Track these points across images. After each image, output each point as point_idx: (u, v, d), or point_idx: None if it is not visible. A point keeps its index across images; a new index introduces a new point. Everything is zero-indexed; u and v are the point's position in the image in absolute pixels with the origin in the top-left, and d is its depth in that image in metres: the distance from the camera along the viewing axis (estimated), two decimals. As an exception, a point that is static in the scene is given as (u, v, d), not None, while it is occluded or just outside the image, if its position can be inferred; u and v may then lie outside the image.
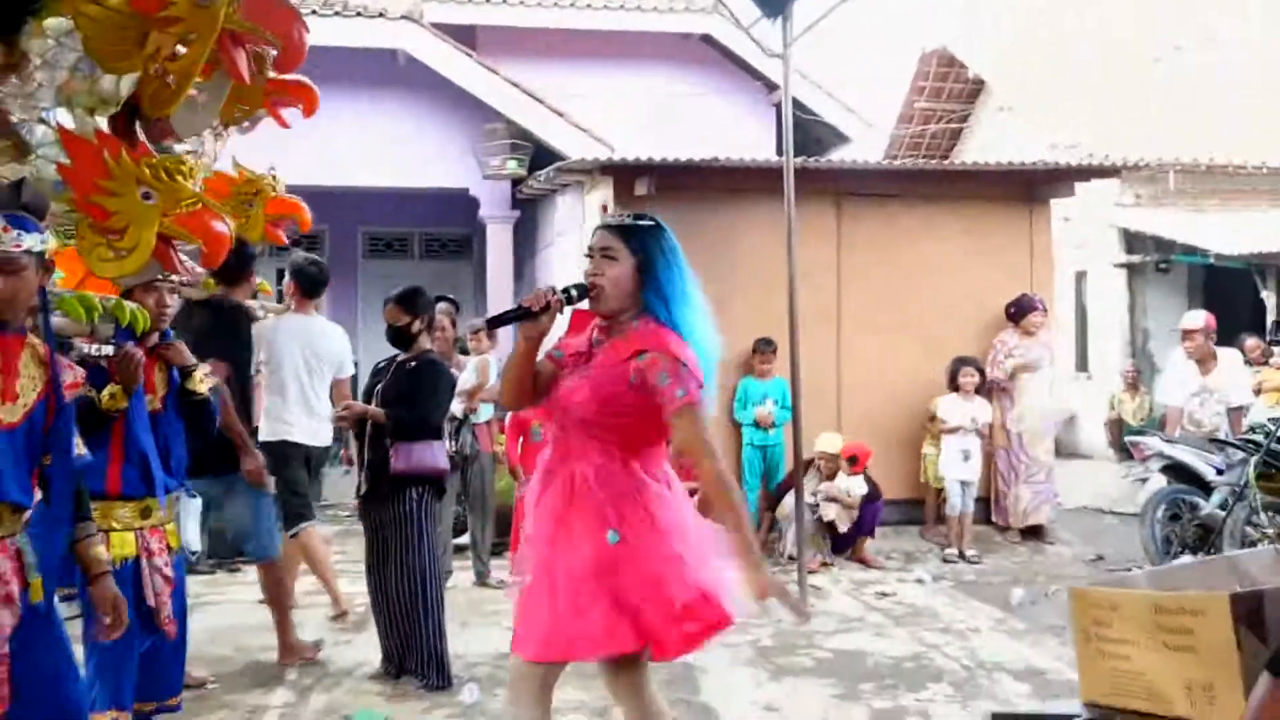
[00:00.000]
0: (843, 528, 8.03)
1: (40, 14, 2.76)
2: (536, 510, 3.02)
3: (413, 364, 5.23)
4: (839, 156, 13.12)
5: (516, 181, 11.14)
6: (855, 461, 8.17)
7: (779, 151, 7.58)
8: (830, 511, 7.93)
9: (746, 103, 13.64)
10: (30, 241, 2.71)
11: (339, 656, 5.60)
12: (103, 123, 3.08)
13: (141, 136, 3.05)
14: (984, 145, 15.95)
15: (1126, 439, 10.08)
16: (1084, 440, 14.14)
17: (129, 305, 3.41)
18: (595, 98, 12.31)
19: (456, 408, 6.73)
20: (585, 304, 3.02)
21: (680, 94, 13.19)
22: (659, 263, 2.95)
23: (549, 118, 10.90)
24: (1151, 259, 13.87)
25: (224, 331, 5.32)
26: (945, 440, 8.40)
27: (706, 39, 13.47)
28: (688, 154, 8.91)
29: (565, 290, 2.98)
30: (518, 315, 2.96)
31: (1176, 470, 7.63)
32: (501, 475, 7.66)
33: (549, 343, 3.08)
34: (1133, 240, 14.03)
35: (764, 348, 8.63)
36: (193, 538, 6.63)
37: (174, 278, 4.10)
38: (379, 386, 5.24)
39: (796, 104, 12.19)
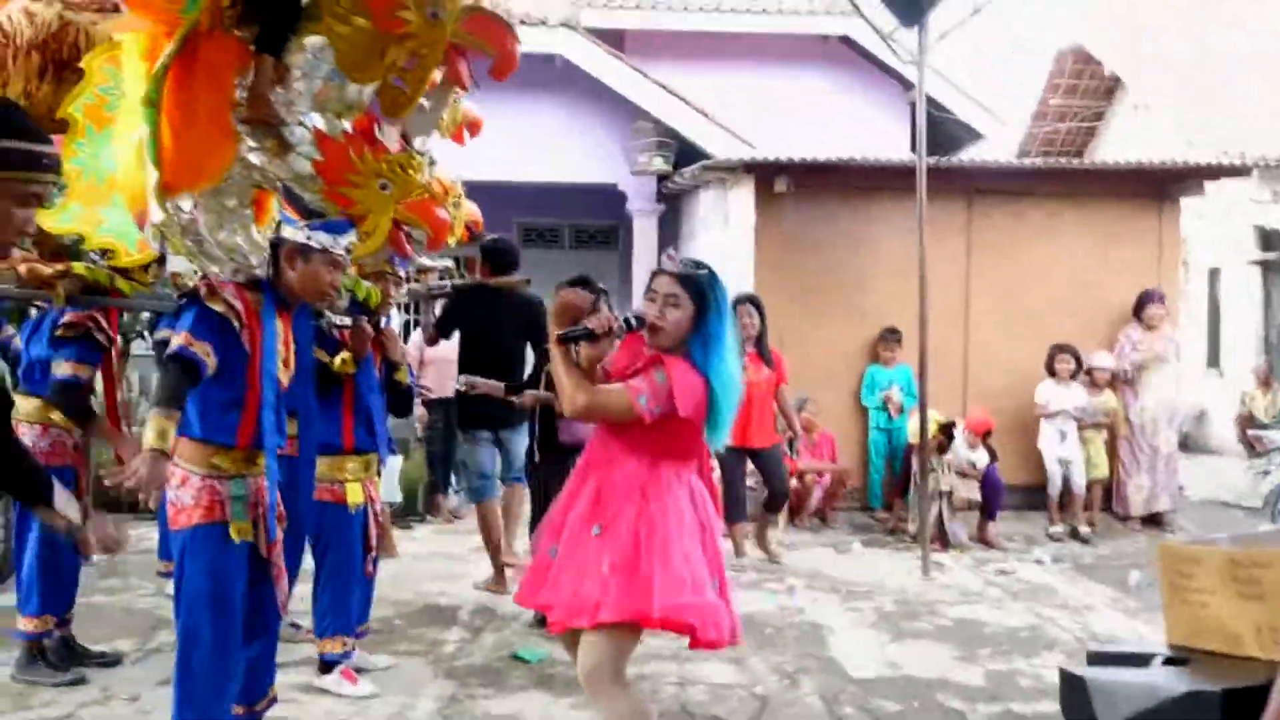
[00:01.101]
0: (965, 497, 8.20)
1: (301, 33, 3.24)
2: (567, 497, 3.32)
3: None
4: (972, 153, 13.15)
5: (662, 177, 11.46)
6: (986, 435, 8.36)
7: (913, 147, 7.78)
8: (949, 484, 8.07)
9: (883, 101, 13.77)
10: (347, 242, 3.34)
11: (506, 604, 6.07)
12: (349, 125, 3.57)
13: (380, 136, 3.52)
14: (1119, 142, 15.73)
15: (1249, 433, 10.02)
16: (1215, 436, 13.91)
17: (365, 283, 3.93)
18: (737, 98, 12.59)
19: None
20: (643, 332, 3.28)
21: (819, 93, 13.41)
22: (710, 312, 3.18)
23: (694, 117, 11.22)
24: (1288, 257, 13.58)
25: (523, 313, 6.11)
26: (1043, 422, 8.57)
27: (845, 40, 13.62)
28: (825, 153, 9.16)
29: (626, 320, 3.25)
30: (584, 335, 3.22)
31: (1299, 463, 7.63)
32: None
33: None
34: (1269, 237, 13.73)
35: (890, 337, 8.86)
36: (392, 490, 7.28)
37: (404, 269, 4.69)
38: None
39: (931, 102, 12.26)
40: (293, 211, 3.46)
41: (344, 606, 4.60)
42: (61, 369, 4.37)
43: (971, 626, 5.95)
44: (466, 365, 6.13)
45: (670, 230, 12.26)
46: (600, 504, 3.18)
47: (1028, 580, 7.11)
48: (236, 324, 3.24)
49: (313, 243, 3.34)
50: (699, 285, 3.21)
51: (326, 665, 4.61)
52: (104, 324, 4.49)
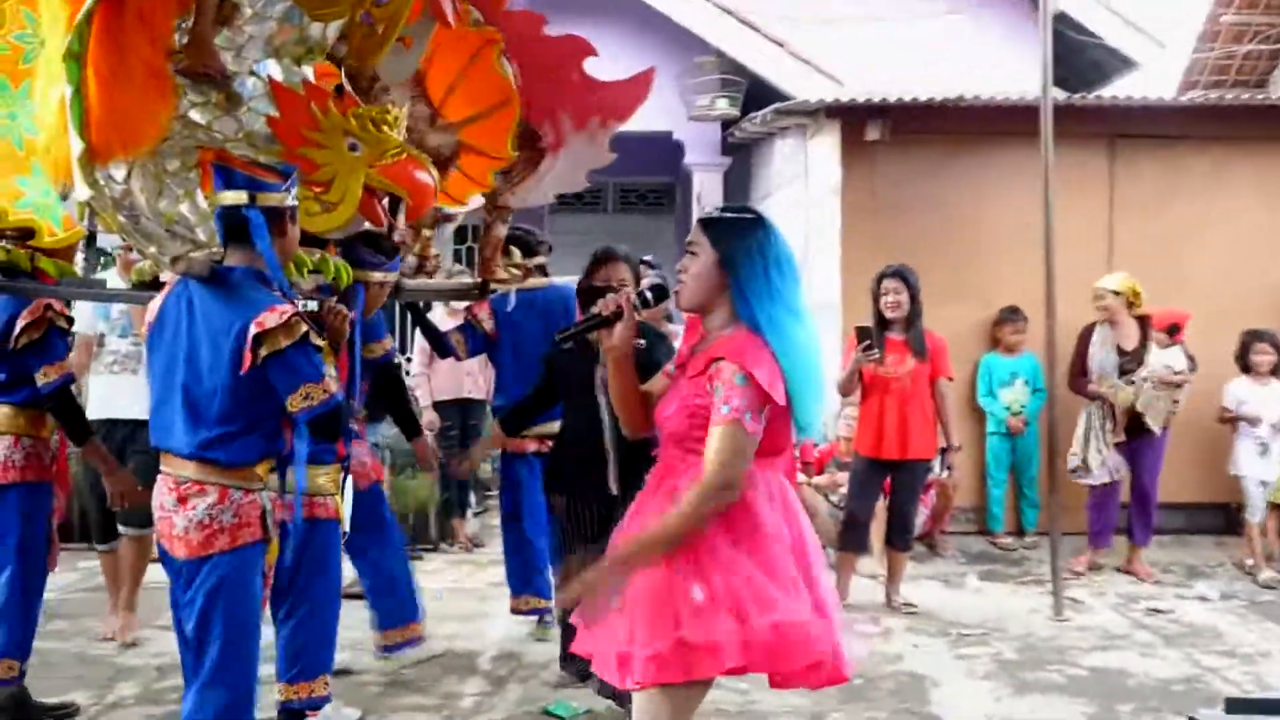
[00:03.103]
0: (1157, 426, 8.00)
1: (250, -36, 3.29)
2: (630, 523, 3.23)
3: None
4: (1122, 86, 12.92)
5: (728, 124, 11.41)
6: (1175, 331, 8.25)
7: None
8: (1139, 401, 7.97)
9: (1005, 25, 13.51)
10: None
11: (534, 650, 6.16)
12: (309, 72, 3.60)
13: (349, 88, 3.55)
14: (1309, 71, 15.39)
15: None
16: None
17: (333, 260, 3.98)
18: (818, 25, 12.50)
19: None
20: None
21: (922, 15, 13.24)
22: (741, 256, 3.10)
23: (766, 49, 11.11)
24: None
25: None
26: (1240, 432, 8.36)
27: (957, -53, 13.50)
28: (929, 90, 9.08)
29: (640, 293, 3.23)
30: (591, 325, 3.19)
31: None
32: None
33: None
34: None
35: (1011, 318, 8.78)
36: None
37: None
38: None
39: (1070, 23, 12.11)
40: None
41: (329, 639, 4.77)
42: (44, 376, 4.57)
43: (1112, 677, 5.90)
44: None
45: (738, 188, 12.21)
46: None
47: (1187, 621, 7.03)
48: None
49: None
50: (720, 225, 3.17)
51: (295, 715, 4.70)
52: (57, 306, 4.63)
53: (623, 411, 3.33)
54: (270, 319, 3.41)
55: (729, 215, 3.19)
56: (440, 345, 6.35)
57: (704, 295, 3.14)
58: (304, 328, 3.43)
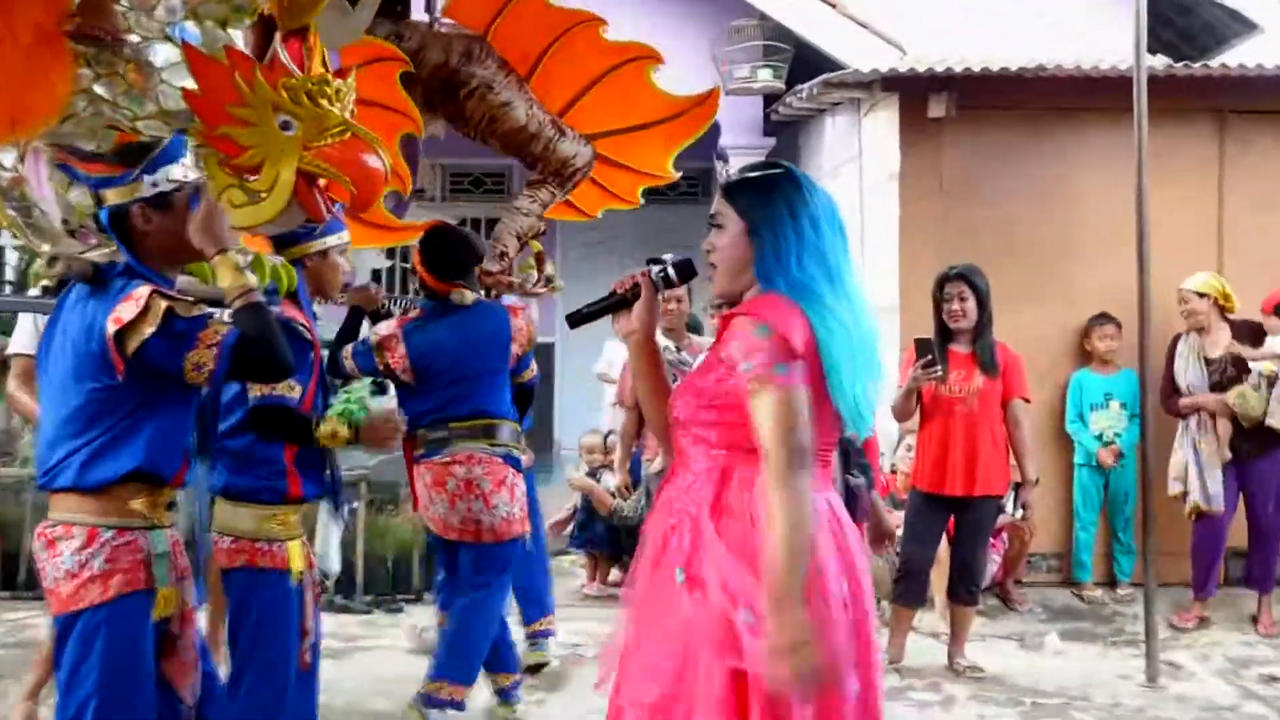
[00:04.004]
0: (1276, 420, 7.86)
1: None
2: (642, 541, 3.19)
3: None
4: (1240, 53, 12.76)
5: (770, 98, 11.38)
6: None
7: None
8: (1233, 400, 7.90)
9: (1102, -19, 13.47)
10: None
11: (530, 715, 6.16)
12: (237, 37, 3.55)
13: (281, 54, 3.49)
14: None
15: None
16: None
17: (269, 260, 3.92)
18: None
19: None
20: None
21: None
22: (773, 219, 3.05)
23: (815, 11, 11.07)
24: None
25: None
26: None
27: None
28: (1004, 58, 9.01)
29: (662, 270, 3.18)
30: (608, 305, 3.19)
31: None
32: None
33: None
34: None
35: (1104, 326, 8.68)
36: (330, 553, 7.33)
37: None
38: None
39: (1176, -19, 11.99)
40: None
41: (274, 717, 4.59)
42: None
43: (1212, 758, 5.82)
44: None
45: (785, 174, 12.16)
46: (688, 529, 3.02)
47: (1311, 691, 6.94)
48: None
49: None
50: (748, 191, 3.12)
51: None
52: None
53: (651, 406, 3.31)
54: (126, 310, 3.35)
55: (754, 175, 3.15)
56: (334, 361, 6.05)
57: (735, 273, 3.10)
58: (164, 305, 3.37)
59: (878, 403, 3.12)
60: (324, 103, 3.51)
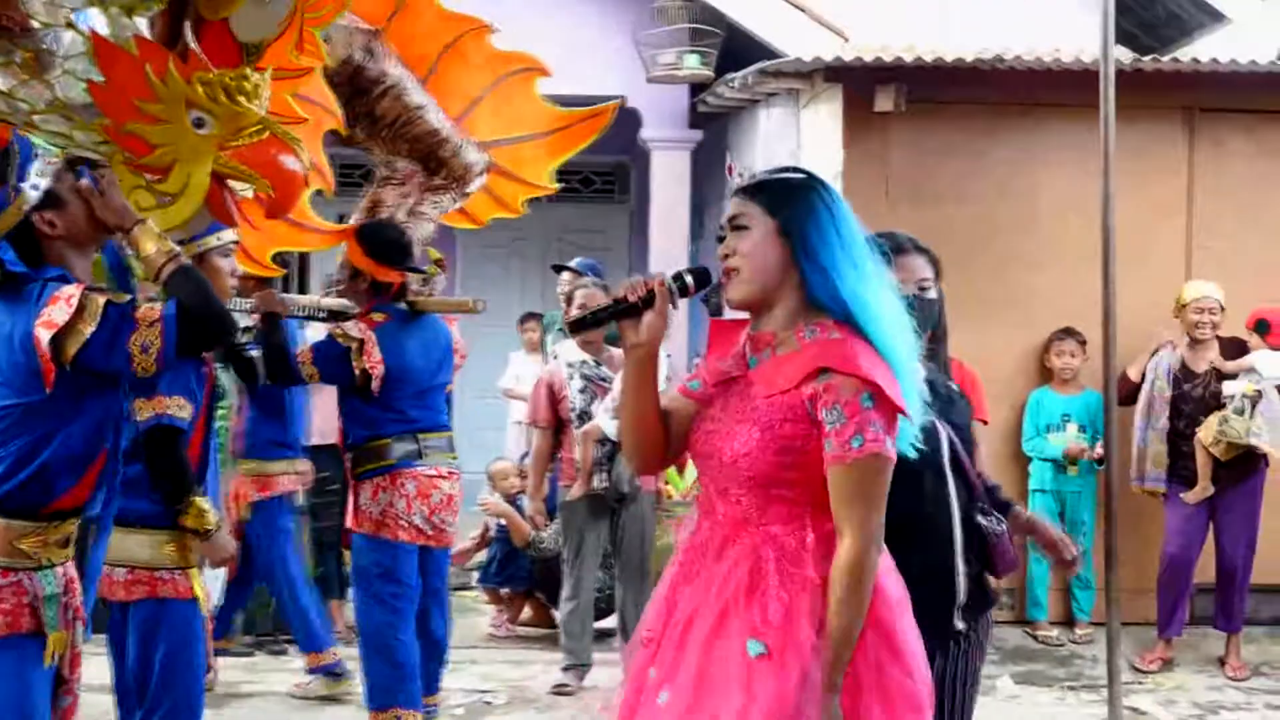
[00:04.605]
0: (1275, 448, 7.95)
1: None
2: (666, 601, 3.18)
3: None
4: (1208, 46, 12.95)
5: (698, 87, 11.42)
6: (1267, 330, 8.23)
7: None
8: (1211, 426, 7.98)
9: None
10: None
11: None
12: (144, 25, 3.51)
13: (194, 45, 3.47)
14: None
15: None
16: None
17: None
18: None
19: (610, 427, 7.17)
20: (725, 306, 3.22)
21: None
22: (809, 222, 3.08)
23: (750, -10, 11.18)
24: None
25: None
26: None
27: None
28: (958, 49, 9.09)
29: (678, 276, 3.17)
30: (613, 313, 3.16)
31: None
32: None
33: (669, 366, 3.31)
34: None
35: (1067, 342, 8.75)
36: (217, 590, 7.29)
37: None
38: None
39: (1142, -32, 12.15)
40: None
41: None
42: None
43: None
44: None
45: (712, 170, 12.20)
46: (750, 606, 3.01)
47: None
48: None
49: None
50: (776, 191, 3.16)
51: None
52: None
53: (637, 434, 3.27)
54: (58, 313, 3.35)
55: (776, 177, 3.20)
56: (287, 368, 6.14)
57: (766, 278, 3.10)
58: (102, 300, 3.38)
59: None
60: (241, 99, 3.51)
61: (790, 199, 3.11)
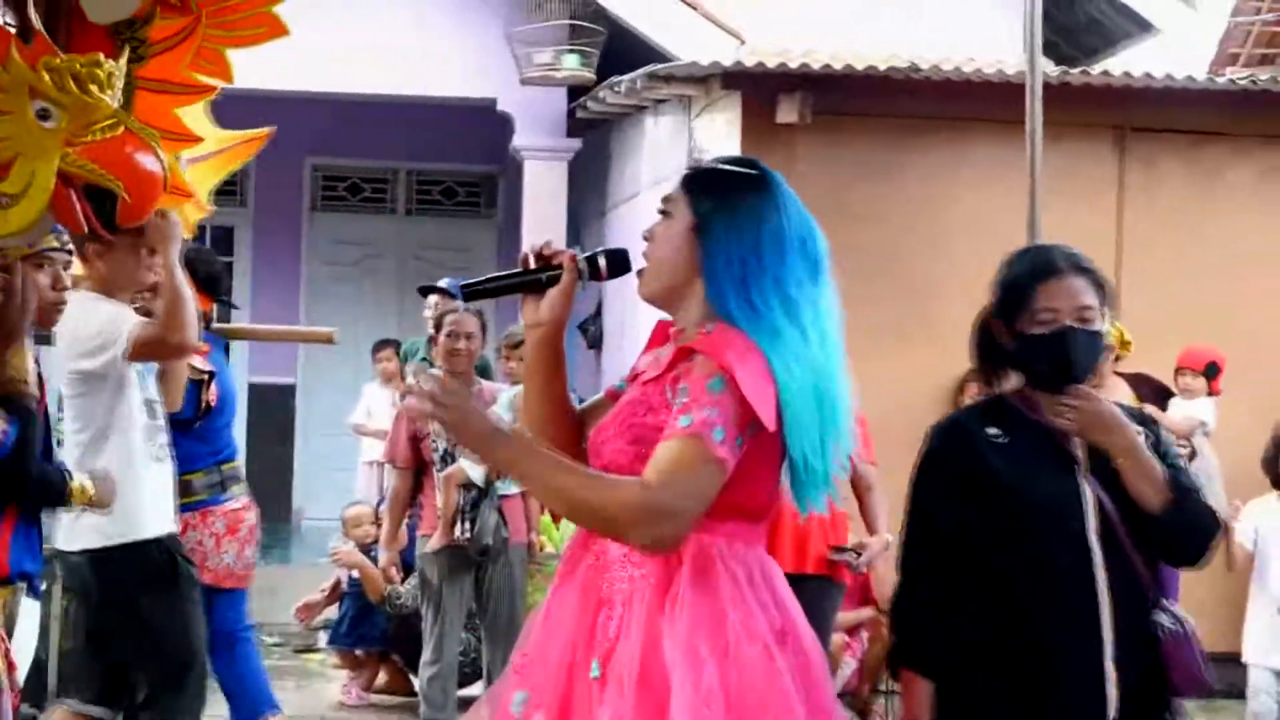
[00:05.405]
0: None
1: None
2: (545, 611, 3.21)
3: None
4: (1133, 57, 13.22)
5: (578, 91, 11.49)
6: (1214, 374, 8.36)
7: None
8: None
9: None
10: None
11: None
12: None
13: (38, 26, 3.47)
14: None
15: None
16: None
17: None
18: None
19: (475, 471, 7.19)
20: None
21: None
22: (722, 218, 3.09)
23: (636, -16, 11.25)
24: None
25: None
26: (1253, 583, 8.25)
27: None
28: (869, 55, 9.19)
29: (591, 256, 3.19)
30: (516, 283, 3.19)
31: None
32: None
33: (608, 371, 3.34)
34: None
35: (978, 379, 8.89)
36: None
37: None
38: None
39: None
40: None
41: None
42: None
43: None
44: None
45: (589, 182, 12.23)
46: (596, 617, 3.07)
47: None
48: None
49: None
50: (707, 179, 3.20)
51: None
52: None
53: (539, 422, 3.28)
54: None
55: (722, 169, 3.20)
56: None
57: (672, 275, 3.13)
58: None
59: (837, 471, 3.16)
60: (94, 89, 3.46)
61: (718, 197, 3.12)
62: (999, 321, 3.80)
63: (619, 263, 3.21)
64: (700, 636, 2.96)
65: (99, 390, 5.41)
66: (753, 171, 3.17)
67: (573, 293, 3.18)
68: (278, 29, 4.17)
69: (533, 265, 3.17)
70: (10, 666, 4.61)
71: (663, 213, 3.15)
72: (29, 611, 6.83)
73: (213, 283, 6.29)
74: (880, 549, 7.13)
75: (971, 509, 3.52)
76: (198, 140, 4.28)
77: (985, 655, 3.51)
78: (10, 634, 4.77)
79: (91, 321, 5.32)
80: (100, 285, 5.45)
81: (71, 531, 5.54)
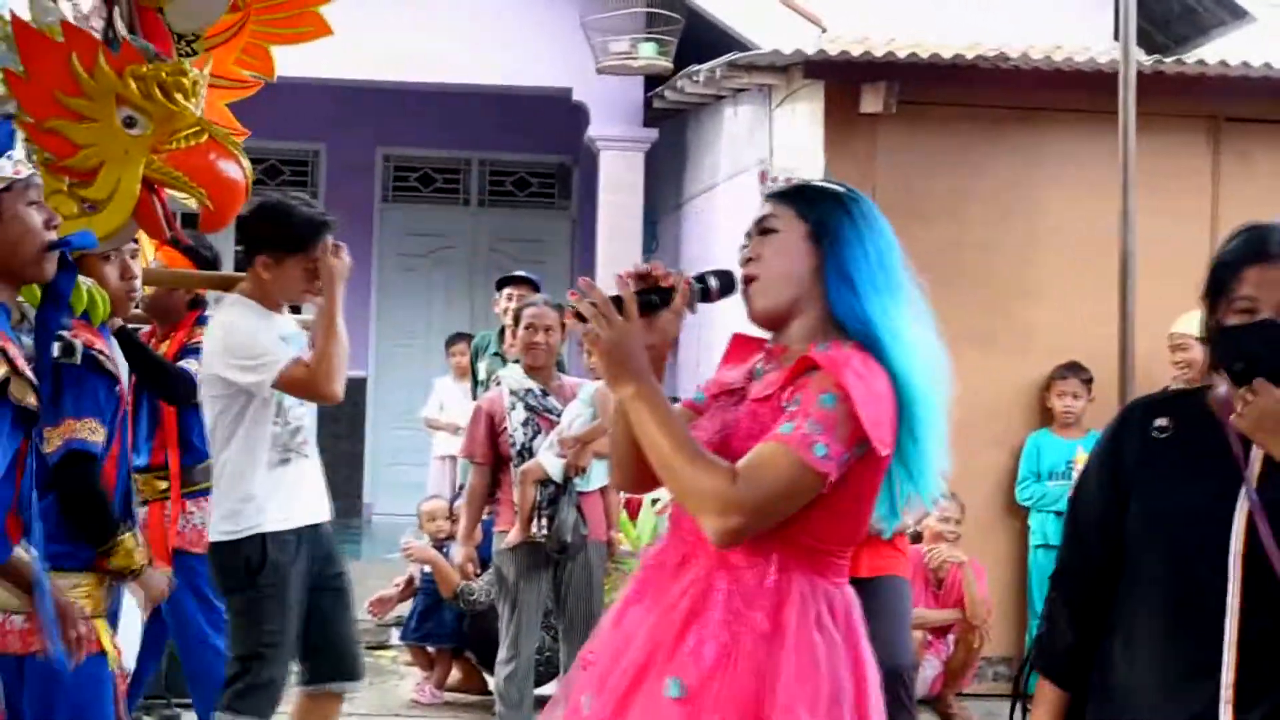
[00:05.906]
0: None
1: None
2: (614, 619, 3.22)
3: None
4: (1222, 50, 13.09)
5: (654, 81, 11.47)
6: None
7: (1117, 37, 7.72)
8: None
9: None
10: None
11: None
12: (68, 9, 3.50)
13: (125, 34, 3.46)
14: None
15: None
16: None
17: (83, 284, 3.86)
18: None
19: (553, 467, 7.16)
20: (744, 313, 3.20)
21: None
22: (844, 232, 3.11)
23: (715, -27, 11.20)
24: None
25: None
26: None
27: None
28: (954, 45, 9.13)
29: (700, 277, 3.20)
30: (653, 302, 3.14)
31: None
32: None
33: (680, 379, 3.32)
34: None
35: (1071, 378, 8.78)
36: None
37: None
38: None
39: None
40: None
41: None
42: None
43: None
44: None
45: (667, 173, 12.21)
46: (682, 639, 3.04)
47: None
48: None
49: None
50: (812, 197, 3.22)
51: None
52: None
53: (627, 446, 3.21)
54: None
55: (813, 184, 3.29)
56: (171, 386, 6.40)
57: (791, 288, 3.13)
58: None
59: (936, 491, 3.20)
60: (179, 97, 3.49)
61: (825, 204, 3.15)
62: (1204, 305, 3.29)
63: (727, 283, 3.21)
64: (801, 702, 2.96)
65: (237, 397, 5.52)
66: (842, 186, 3.25)
67: (683, 316, 3.18)
68: (322, 29, 4.22)
69: (631, 286, 3.12)
70: (117, 652, 4.68)
71: (765, 230, 3.16)
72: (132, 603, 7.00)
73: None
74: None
75: (1114, 504, 3.25)
76: (245, 134, 4.28)
77: (1112, 671, 3.24)
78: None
79: (251, 340, 5.45)
80: (256, 294, 5.54)
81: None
